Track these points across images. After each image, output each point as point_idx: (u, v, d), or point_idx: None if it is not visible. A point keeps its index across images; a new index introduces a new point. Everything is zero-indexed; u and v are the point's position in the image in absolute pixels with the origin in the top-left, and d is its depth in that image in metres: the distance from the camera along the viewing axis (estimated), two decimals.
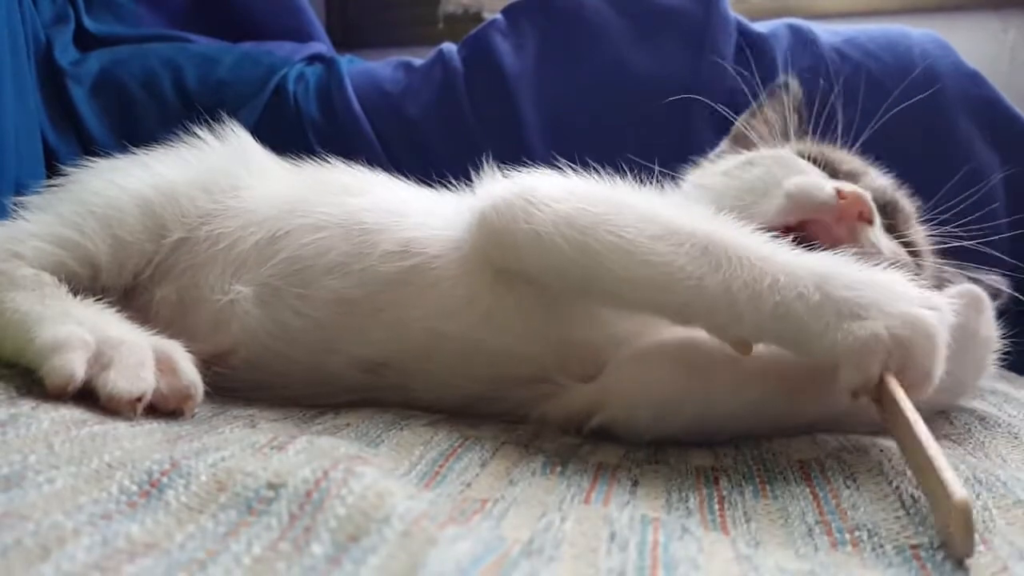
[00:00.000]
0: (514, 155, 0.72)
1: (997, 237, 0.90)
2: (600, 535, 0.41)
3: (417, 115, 1.32)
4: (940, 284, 0.77)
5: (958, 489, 0.42)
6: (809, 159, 0.79)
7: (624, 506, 0.49)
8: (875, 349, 0.51)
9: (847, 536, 0.45)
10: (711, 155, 0.93)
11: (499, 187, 0.68)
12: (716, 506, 0.51)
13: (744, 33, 1.29)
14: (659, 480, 0.56)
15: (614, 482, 0.54)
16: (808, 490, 0.53)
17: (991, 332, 0.67)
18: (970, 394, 0.71)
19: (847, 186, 0.71)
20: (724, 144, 0.96)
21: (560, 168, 0.69)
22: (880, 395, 0.53)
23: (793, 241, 0.61)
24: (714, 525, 0.48)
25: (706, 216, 0.62)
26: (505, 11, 1.39)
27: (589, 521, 0.43)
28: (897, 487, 0.52)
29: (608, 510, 0.46)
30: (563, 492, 0.52)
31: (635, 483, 0.55)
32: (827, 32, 1.29)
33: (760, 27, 1.31)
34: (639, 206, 0.62)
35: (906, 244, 0.77)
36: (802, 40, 1.27)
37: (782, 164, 0.76)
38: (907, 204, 0.83)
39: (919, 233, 0.81)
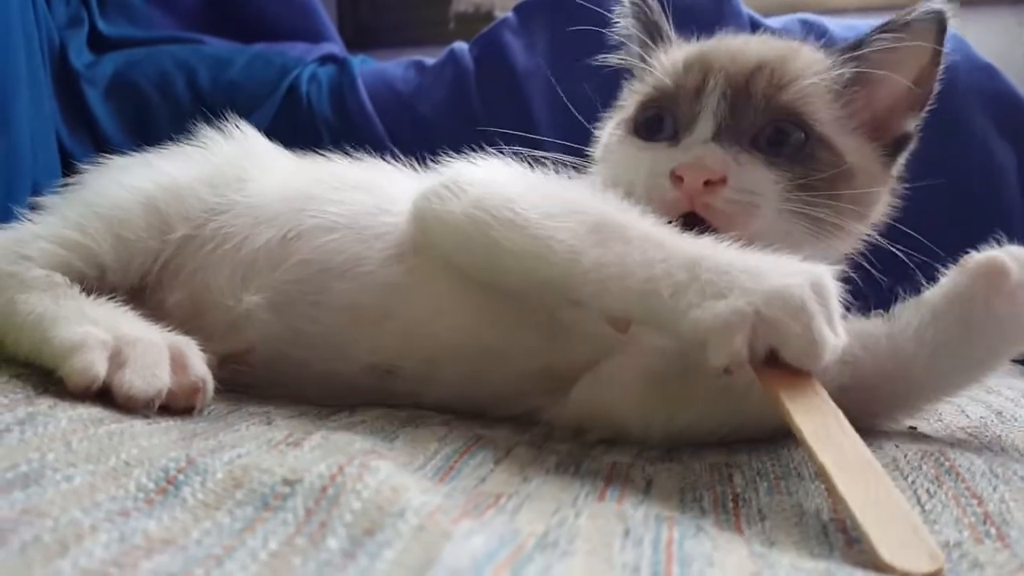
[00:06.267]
0: (525, 153, 0.72)
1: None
2: (615, 531, 0.42)
3: (429, 114, 1.32)
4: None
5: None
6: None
7: (638, 504, 0.49)
8: (736, 324, 0.51)
9: None
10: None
11: (436, 177, 0.69)
12: (730, 503, 0.51)
13: (756, 28, 1.28)
14: (673, 479, 0.56)
15: (628, 481, 0.54)
16: (823, 487, 0.53)
17: None
18: None
19: (681, 167, 0.64)
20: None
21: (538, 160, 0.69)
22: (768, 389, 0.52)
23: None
24: (728, 525, 0.47)
25: (610, 201, 0.62)
26: (516, 9, 1.39)
27: (603, 518, 0.43)
28: (913, 482, 0.52)
29: (622, 508, 0.46)
30: (577, 489, 0.51)
31: (649, 483, 0.55)
32: (840, 27, 1.28)
33: (772, 22, 1.31)
34: (547, 189, 0.63)
35: (811, 169, 0.66)
36: (814, 35, 1.26)
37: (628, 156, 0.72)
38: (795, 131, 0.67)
39: (831, 151, 0.68)
